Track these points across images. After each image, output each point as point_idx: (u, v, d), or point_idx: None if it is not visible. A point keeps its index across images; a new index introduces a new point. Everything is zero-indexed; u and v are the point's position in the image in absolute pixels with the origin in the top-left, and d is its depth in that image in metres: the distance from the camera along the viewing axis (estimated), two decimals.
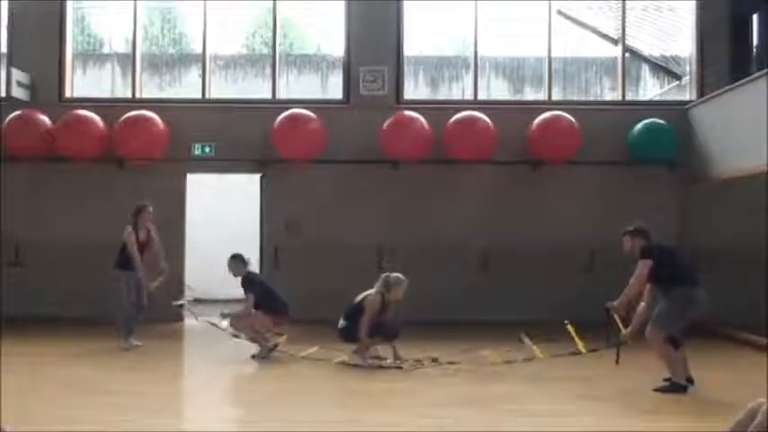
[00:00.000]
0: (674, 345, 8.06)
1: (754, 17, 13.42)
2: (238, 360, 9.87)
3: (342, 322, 9.57)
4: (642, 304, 8.36)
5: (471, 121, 13.20)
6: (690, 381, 8.12)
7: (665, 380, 8.14)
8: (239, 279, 10.16)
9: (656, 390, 8.04)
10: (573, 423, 6.86)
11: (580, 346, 9.28)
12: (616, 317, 8.44)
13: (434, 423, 6.84)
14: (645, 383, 8.23)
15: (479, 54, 14.32)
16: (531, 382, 8.70)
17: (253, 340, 10.02)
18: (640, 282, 8.18)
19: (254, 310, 9.96)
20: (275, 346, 9.92)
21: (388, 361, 9.35)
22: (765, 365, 8.18)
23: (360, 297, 9.52)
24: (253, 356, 9.89)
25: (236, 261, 10.16)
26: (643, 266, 8.13)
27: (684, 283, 8.09)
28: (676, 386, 8.02)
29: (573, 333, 9.26)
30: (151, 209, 10.90)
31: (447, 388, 8.30)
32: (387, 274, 9.55)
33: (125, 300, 10.62)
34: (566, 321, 9.27)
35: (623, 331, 8.38)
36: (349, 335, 9.48)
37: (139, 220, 10.79)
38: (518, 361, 9.36)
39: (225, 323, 10.40)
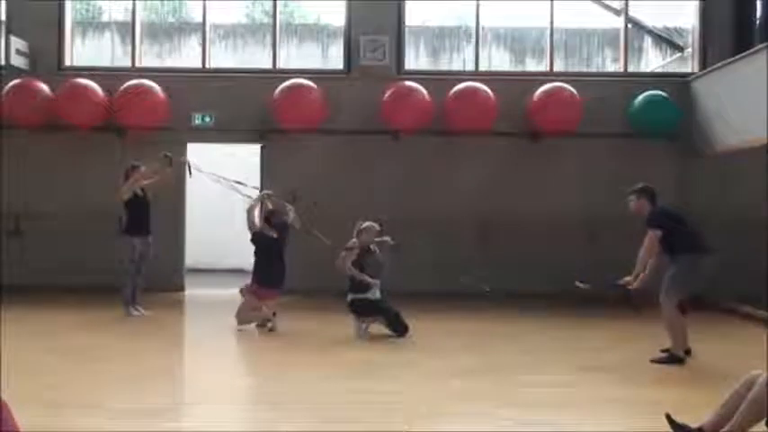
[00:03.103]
0: (681, 311, 8.11)
1: None
2: (239, 330, 9.90)
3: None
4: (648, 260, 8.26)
5: (472, 91, 13.14)
6: (687, 352, 8.16)
7: (663, 351, 8.19)
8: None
9: (654, 361, 8.08)
10: (571, 393, 6.91)
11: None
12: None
13: (434, 393, 6.90)
14: (642, 355, 8.28)
15: (481, 24, 14.20)
16: (532, 353, 8.75)
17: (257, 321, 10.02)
18: (649, 254, 8.15)
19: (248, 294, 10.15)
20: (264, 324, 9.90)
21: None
22: (764, 338, 8.20)
23: None
24: (258, 325, 9.92)
25: None
26: (651, 238, 8.11)
27: (692, 249, 8.08)
28: (674, 358, 8.06)
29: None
30: (144, 169, 10.91)
31: (447, 359, 8.34)
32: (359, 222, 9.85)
33: (133, 267, 10.69)
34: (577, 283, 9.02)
35: (627, 278, 8.30)
36: (351, 305, 9.61)
37: (132, 178, 10.79)
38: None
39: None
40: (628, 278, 8.29)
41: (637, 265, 8.18)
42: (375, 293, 9.57)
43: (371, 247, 9.75)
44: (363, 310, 9.52)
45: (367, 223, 9.81)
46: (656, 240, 8.09)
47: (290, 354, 8.64)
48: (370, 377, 7.56)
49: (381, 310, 9.51)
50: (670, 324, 8.12)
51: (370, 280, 9.50)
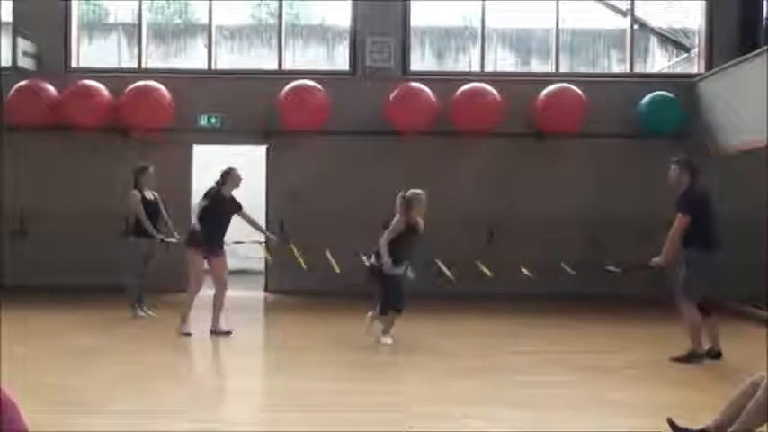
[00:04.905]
0: (705, 312, 8.08)
1: None
2: (240, 330, 9.90)
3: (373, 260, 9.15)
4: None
5: (478, 92, 13.12)
6: (709, 353, 8.12)
7: (673, 359, 8.14)
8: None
9: (675, 359, 8.06)
10: (572, 394, 6.89)
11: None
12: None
13: (434, 393, 6.89)
14: (643, 356, 8.27)
15: (486, 25, 14.19)
16: (533, 353, 8.74)
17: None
18: (677, 238, 8.09)
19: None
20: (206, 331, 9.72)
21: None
22: (766, 339, 8.18)
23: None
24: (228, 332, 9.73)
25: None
26: (680, 222, 8.05)
27: (705, 246, 8.02)
28: (695, 356, 8.03)
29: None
30: (152, 170, 10.89)
31: (448, 360, 8.33)
32: (401, 193, 9.16)
33: (139, 268, 10.70)
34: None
35: (655, 259, 8.25)
36: (372, 271, 9.14)
37: (141, 180, 10.78)
38: None
39: None
40: (656, 259, 8.23)
41: (665, 246, 8.13)
42: (400, 269, 9.01)
43: (419, 221, 9.04)
44: (378, 275, 9.03)
45: (411, 192, 9.06)
46: (683, 226, 8.03)
47: (291, 354, 8.64)
48: (371, 377, 7.56)
49: (392, 284, 8.94)
50: (689, 323, 8.10)
51: (389, 264, 8.75)
